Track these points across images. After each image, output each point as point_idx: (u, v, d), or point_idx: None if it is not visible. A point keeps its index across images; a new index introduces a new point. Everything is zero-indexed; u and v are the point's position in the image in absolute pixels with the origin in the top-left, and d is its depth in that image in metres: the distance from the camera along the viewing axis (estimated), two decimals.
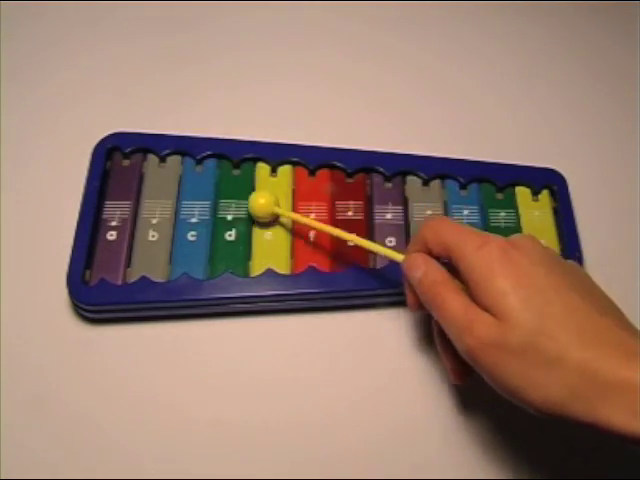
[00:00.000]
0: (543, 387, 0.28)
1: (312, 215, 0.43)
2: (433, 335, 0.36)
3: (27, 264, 0.42)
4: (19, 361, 0.39)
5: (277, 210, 0.41)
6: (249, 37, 0.54)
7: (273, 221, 0.42)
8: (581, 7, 0.58)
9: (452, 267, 0.33)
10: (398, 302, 0.41)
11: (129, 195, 0.43)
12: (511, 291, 0.29)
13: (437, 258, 0.34)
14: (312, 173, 0.45)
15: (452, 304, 0.31)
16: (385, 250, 0.37)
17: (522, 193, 0.45)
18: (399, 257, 0.36)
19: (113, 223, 0.41)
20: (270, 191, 0.42)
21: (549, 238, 0.43)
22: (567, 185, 0.45)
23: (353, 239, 0.38)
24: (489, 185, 0.45)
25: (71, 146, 0.46)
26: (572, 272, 0.32)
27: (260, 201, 0.41)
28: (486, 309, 0.30)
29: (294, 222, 0.42)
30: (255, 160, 0.45)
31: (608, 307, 0.31)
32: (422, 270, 0.33)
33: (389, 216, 0.43)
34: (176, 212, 0.42)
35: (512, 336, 0.29)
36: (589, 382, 0.27)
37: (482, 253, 0.31)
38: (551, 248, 0.34)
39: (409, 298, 0.36)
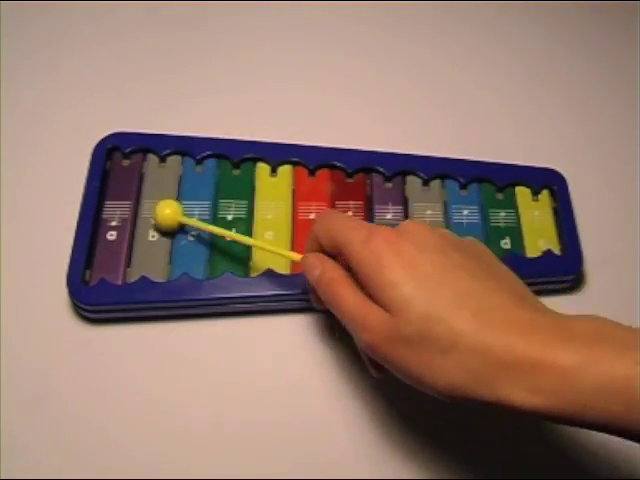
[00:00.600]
0: (443, 373, 0.28)
1: (312, 215, 0.43)
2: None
3: (27, 264, 0.42)
4: (19, 361, 0.39)
5: (183, 220, 0.41)
6: (249, 37, 0.54)
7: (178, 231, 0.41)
8: (581, 7, 0.58)
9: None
10: None
11: (129, 195, 0.43)
12: (400, 282, 0.29)
13: (332, 255, 0.34)
14: (312, 173, 0.45)
15: (348, 301, 0.31)
16: (284, 252, 0.37)
17: (522, 193, 0.45)
18: (296, 257, 0.36)
19: (113, 223, 0.41)
20: (175, 201, 0.41)
21: (549, 238, 0.43)
22: (567, 185, 0.45)
23: (256, 244, 0.39)
24: (489, 185, 0.45)
25: (71, 146, 0.46)
26: (467, 251, 0.31)
27: (166, 211, 0.40)
28: (379, 303, 0.30)
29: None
30: (255, 160, 0.45)
31: (505, 283, 0.30)
32: (319, 270, 0.33)
33: (389, 216, 0.43)
34: None
35: (405, 327, 0.28)
36: (486, 363, 0.27)
37: (369, 246, 0.30)
38: (442, 229, 0.33)
39: (312, 297, 0.36)
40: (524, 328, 0.27)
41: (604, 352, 0.26)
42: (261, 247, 0.39)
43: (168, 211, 0.40)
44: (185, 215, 0.41)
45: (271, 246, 0.38)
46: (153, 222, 0.41)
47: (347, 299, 0.31)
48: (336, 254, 0.34)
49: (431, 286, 0.29)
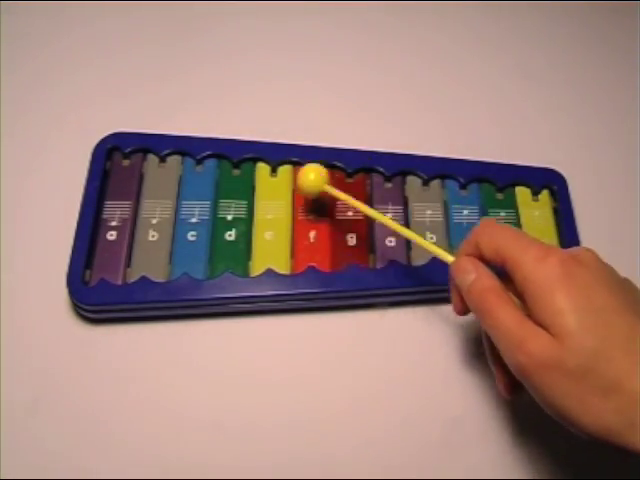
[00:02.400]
0: (598, 413, 0.27)
1: (312, 215, 0.43)
2: (483, 343, 0.35)
3: (27, 264, 0.42)
4: (19, 361, 0.39)
5: (327, 188, 0.40)
6: (249, 38, 0.54)
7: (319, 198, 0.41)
8: (581, 7, 0.58)
9: (504, 276, 0.32)
10: (398, 302, 0.42)
11: (129, 195, 0.43)
12: (571, 310, 0.28)
13: (489, 264, 0.32)
14: None
15: (504, 316, 0.30)
16: (436, 249, 0.35)
17: (522, 193, 0.45)
18: (449, 258, 0.34)
19: (113, 223, 0.41)
20: (320, 168, 0.41)
21: (549, 238, 0.43)
22: (567, 185, 0.45)
23: (407, 234, 0.37)
24: (489, 185, 0.45)
25: (71, 146, 0.46)
26: (630, 290, 0.31)
27: (310, 176, 0.40)
28: (541, 326, 0.29)
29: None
30: (255, 160, 0.45)
31: None
32: (473, 275, 0.32)
33: (389, 216, 0.43)
34: (176, 212, 0.42)
35: (569, 358, 0.27)
36: None
37: (543, 266, 0.29)
38: (609, 265, 0.32)
39: (455, 302, 0.35)
40: None
41: None
42: (416, 240, 0.37)
43: (312, 176, 0.40)
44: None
45: (426, 243, 0.36)
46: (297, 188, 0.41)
47: (503, 314, 0.30)
48: (495, 264, 0.32)
49: (602, 322, 0.28)
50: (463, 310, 0.34)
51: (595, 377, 0.27)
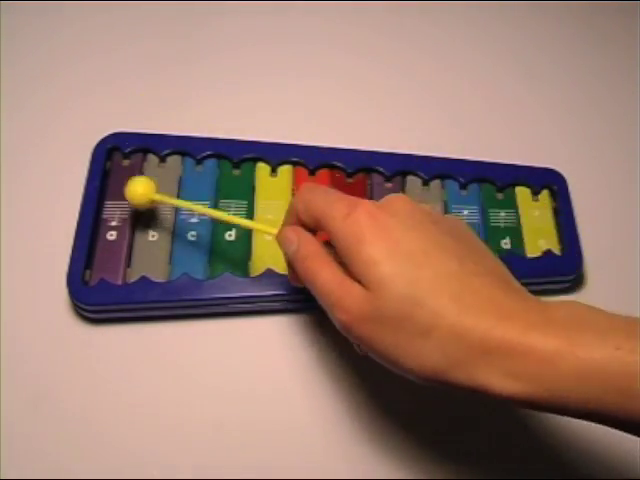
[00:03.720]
0: (421, 356, 0.27)
1: None
2: None
3: (27, 264, 0.42)
4: (19, 361, 0.39)
5: (155, 197, 0.40)
6: (249, 37, 0.54)
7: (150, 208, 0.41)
8: (581, 7, 0.58)
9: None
10: None
11: None
12: (381, 259, 0.28)
13: (311, 230, 0.33)
14: (312, 173, 0.45)
15: (324, 278, 0.30)
16: (258, 225, 0.37)
17: (522, 193, 0.45)
18: (273, 231, 0.35)
19: (113, 223, 0.41)
20: (148, 179, 0.40)
21: (549, 238, 0.43)
22: (567, 185, 0.45)
23: (230, 220, 0.38)
24: (489, 185, 0.45)
25: (71, 146, 0.46)
26: (451, 232, 0.31)
27: (138, 190, 0.39)
28: (357, 280, 0.29)
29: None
30: (255, 160, 0.45)
31: (487, 266, 0.30)
32: (295, 244, 0.32)
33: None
34: (176, 212, 0.42)
35: (384, 308, 0.28)
36: (465, 347, 0.26)
37: (350, 221, 0.29)
38: (426, 206, 0.32)
39: (289, 272, 0.35)
40: (504, 313, 0.27)
41: (584, 337, 0.25)
42: (233, 222, 0.38)
43: (140, 190, 0.39)
44: (158, 193, 0.40)
45: (245, 221, 0.38)
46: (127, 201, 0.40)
47: (323, 276, 0.30)
48: (316, 229, 0.33)
49: (412, 266, 0.28)
50: (297, 280, 0.34)
51: (411, 322, 0.27)
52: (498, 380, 0.26)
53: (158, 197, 0.40)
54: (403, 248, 0.28)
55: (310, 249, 0.32)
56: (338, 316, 0.29)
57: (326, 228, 0.31)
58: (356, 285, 0.29)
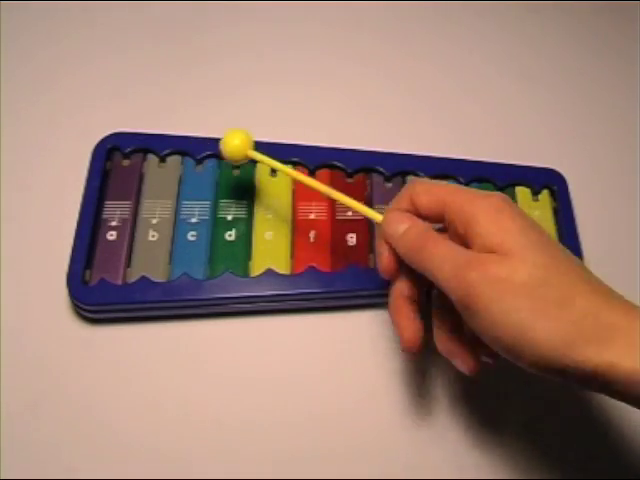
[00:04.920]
0: (551, 323, 0.27)
1: (312, 215, 0.43)
2: (433, 330, 0.34)
3: (27, 264, 0.42)
4: (19, 361, 0.39)
5: (251, 154, 0.39)
6: (249, 38, 0.54)
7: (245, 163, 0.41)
8: (582, 7, 0.58)
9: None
10: None
11: (129, 195, 0.43)
12: (518, 230, 0.29)
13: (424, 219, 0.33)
14: (312, 173, 0.45)
15: (445, 247, 0.30)
16: (363, 208, 0.36)
17: (522, 193, 0.45)
18: (378, 217, 0.35)
19: (113, 223, 0.41)
20: (245, 132, 0.40)
21: None
22: (567, 185, 0.45)
23: (332, 194, 0.37)
24: (489, 185, 0.45)
25: (71, 146, 0.46)
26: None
27: (235, 142, 0.39)
28: (492, 250, 0.29)
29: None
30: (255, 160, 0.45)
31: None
32: (406, 224, 0.33)
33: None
34: (176, 212, 0.42)
35: (522, 270, 0.28)
36: (597, 324, 0.27)
37: (488, 200, 0.31)
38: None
39: (384, 259, 0.34)
40: (627, 304, 0.28)
41: None
42: (339, 199, 0.37)
43: (237, 142, 0.39)
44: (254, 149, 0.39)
45: (351, 201, 0.37)
46: (222, 150, 0.40)
47: (444, 246, 0.31)
48: (431, 216, 0.33)
49: (548, 245, 0.29)
50: (392, 267, 0.34)
51: (549, 288, 0.28)
52: (626, 360, 0.26)
53: (254, 154, 0.39)
54: (537, 231, 0.30)
55: (425, 225, 0.32)
56: (471, 275, 0.28)
57: (456, 209, 0.31)
58: (487, 254, 0.29)
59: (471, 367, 0.33)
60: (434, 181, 0.35)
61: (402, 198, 0.34)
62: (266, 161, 0.39)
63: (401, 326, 0.34)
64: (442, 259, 0.30)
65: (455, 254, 0.30)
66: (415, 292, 0.34)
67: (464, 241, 0.31)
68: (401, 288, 0.34)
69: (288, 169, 0.39)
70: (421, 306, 0.34)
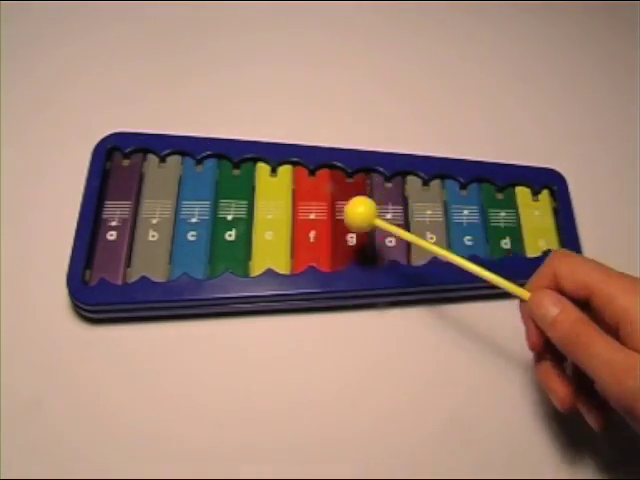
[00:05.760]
0: None
1: (312, 215, 0.43)
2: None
3: (27, 264, 0.42)
4: (19, 361, 0.39)
5: (377, 223, 0.37)
6: (249, 37, 0.54)
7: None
8: (582, 6, 0.58)
9: (583, 310, 0.32)
10: (397, 302, 0.42)
11: (129, 195, 0.43)
12: None
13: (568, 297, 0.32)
14: (312, 173, 0.45)
15: (602, 345, 0.30)
16: (507, 285, 0.34)
17: (522, 193, 0.45)
18: (523, 293, 0.33)
19: (113, 223, 0.41)
20: (369, 201, 0.38)
21: (549, 238, 0.43)
22: (567, 185, 0.45)
23: (468, 267, 0.35)
24: (489, 185, 0.45)
25: (71, 146, 0.46)
26: None
27: (359, 209, 0.37)
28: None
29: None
30: (255, 160, 0.45)
31: None
32: (557, 309, 0.32)
33: (389, 216, 0.43)
34: (176, 212, 0.42)
35: None
36: None
37: (635, 298, 0.30)
38: None
39: (532, 338, 0.33)
40: None
41: None
42: (483, 275, 0.35)
43: (361, 209, 0.37)
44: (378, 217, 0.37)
45: (496, 278, 0.34)
46: (345, 222, 0.38)
47: (603, 343, 0.30)
48: (576, 298, 0.32)
49: None
50: (539, 344, 0.33)
51: None
52: None
53: (380, 223, 0.37)
54: None
55: (578, 315, 0.31)
56: (627, 382, 0.28)
57: (603, 300, 0.31)
58: None
59: (600, 424, 0.33)
60: (578, 258, 0.33)
61: (544, 275, 0.33)
62: (393, 230, 0.37)
63: (552, 389, 0.34)
64: (599, 361, 0.30)
65: (612, 357, 0.29)
66: (558, 357, 0.34)
67: (614, 331, 0.30)
68: (549, 357, 0.34)
69: (423, 241, 0.37)
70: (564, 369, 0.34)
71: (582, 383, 0.33)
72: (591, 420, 0.33)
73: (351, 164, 0.45)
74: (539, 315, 0.32)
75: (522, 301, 0.34)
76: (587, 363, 0.30)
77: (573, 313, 0.31)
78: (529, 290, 0.33)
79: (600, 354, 0.29)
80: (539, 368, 0.34)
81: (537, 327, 0.33)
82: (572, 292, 0.32)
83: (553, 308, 0.32)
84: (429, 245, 0.36)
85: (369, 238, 0.42)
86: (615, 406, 0.30)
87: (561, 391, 0.33)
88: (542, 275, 0.33)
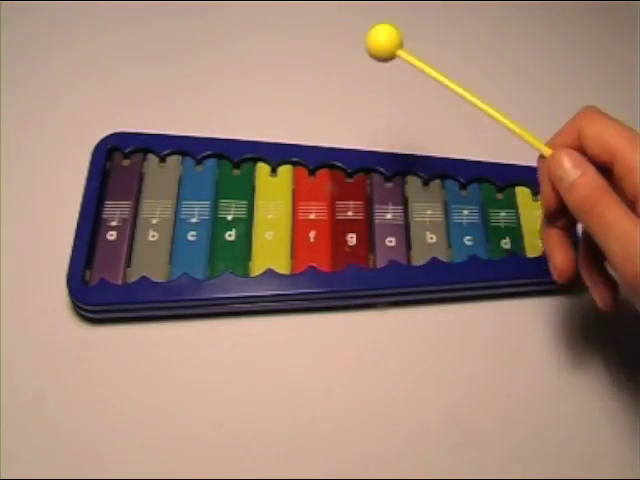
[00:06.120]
0: None
1: (312, 215, 0.43)
2: (579, 256, 0.33)
3: (27, 264, 0.42)
4: (19, 361, 0.39)
5: (400, 54, 0.36)
6: (249, 37, 0.54)
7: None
8: (583, 6, 0.58)
9: (605, 176, 0.30)
10: (398, 302, 0.42)
11: (129, 195, 0.43)
12: None
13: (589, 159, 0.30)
14: (312, 173, 0.45)
15: (619, 218, 0.28)
16: (527, 135, 0.33)
17: (522, 193, 0.45)
18: (545, 150, 0.32)
19: (113, 223, 0.41)
20: (395, 28, 0.37)
21: None
22: None
23: (494, 115, 0.35)
24: (489, 185, 0.45)
25: (71, 146, 0.46)
26: None
27: (380, 37, 0.36)
28: None
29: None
30: (255, 160, 0.45)
31: None
32: (578, 171, 0.29)
33: (389, 216, 0.43)
34: (176, 212, 0.42)
35: None
36: None
37: None
38: None
39: (548, 199, 0.32)
40: None
41: None
42: (506, 125, 0.34)
43: (383, 37, 0.36)
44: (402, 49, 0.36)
45: (518, 128, 0.34)
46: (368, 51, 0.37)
47: (619, 215, 0.28)
48: (598, 161, 0.30)
49: None
50: (553, 206, 0.32)
51: None
52: None
53: (404, 54, 0.36)
54: None
55: (599, 181, 0.29)
56: (638, 262, 0.27)
57: (624, 168, 0.29)
58: None
59: (607, 302, 0.32)
60: (607, 120, 0.31)
61: (569, 132, 0.31)
62: (419, 65, 0.36)
63: (553, 255, 0.32)
64: (613, 233, 0.28)
65: (628, 230, 0.27)
66: (569, 224, 0.33)
67: (631, 204, 0.29)
68: (555, 218, 0.33)
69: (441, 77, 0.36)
70: (573, 238, 0.33)
71: (593, 256, 0.32)
72: (598, 297, 0.32)
73: (351, 164, 0.45)
74: (557, 176, 0.30)
75: (542, 157, 0.32)
76: (601, 234, 0.28)
77: (594, 178, 0.29)
78: (551, 146, 0.32)
79: (615, 226, 0.28)
80: (546, 232, 0.33)
81: (554, 188, 0.31)
82: (595, 155, 0.30)
83: (574, 170, 0.30)
84: (451, 84, 0.36)
85: (369, 238, 0.42)
86: (624, 284, 0.28)
87: (561, 259, 0.32)
88: (567, 132, 0.32)
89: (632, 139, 0.30)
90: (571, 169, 0.30)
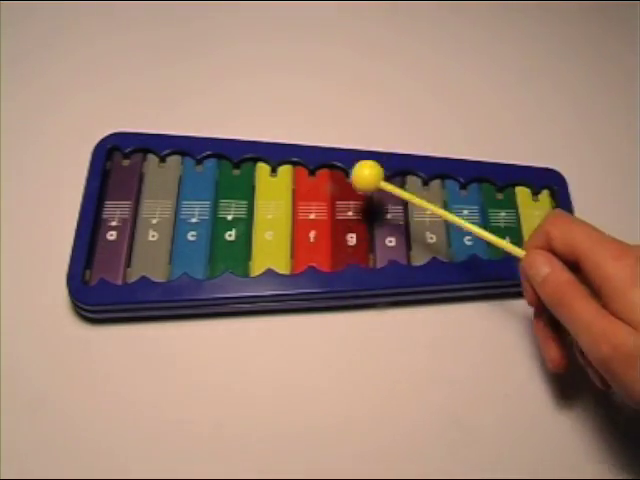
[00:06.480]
0: None
1: (312, 215, 0.43)
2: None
3: (27, 264, 0.42)
4: (19, 361, 0.39)
5: (382, 186, 0.40)
6: (249, 37, 0.54)
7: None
8: (583, 6, 0.58)
9: (574, 270, 0.32)
10: (398, 302, 0.42)
11: (129, 195, 0.43)
12: None
13: (560, 258, 0.33)
14: (312, 173, 0.45)
15: (583, 308, 0.31)
16: (504, 244, 0.36)
17: (522, 193, 0.45)
18: (519, 252, 0.35)
19: (113, 223, 0.41)
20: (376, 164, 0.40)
21: None
22: (567, 185, 0.45)
23: (471, 228, 0.37)
24: (489, 185, 0.45)
25: (71, 146, 0.46)
26: None
27: (364, 172, 0.40)
28: (622, 319, 0.29)
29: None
30: (255, 160, 0.45)
31: None
32: (546, 269, 0.33)
33: (389, 216, 0.43)
34: (176, 212, 0.42)
35: None
36: None
37: (621, 264, 0.30)
38: None
39: (528, 295, 0.35)
40: None
41: None
42: (481, 235, 0.37)
43: (367, 172, 0.40)
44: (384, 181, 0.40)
45: (493, 237, 0.37)
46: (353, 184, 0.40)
47: (582, 307, 0.31)
48: (566, 259, 0.33)
49: None
50: (536, 302, 0.35)
51: None
52: None
53: (386, 186, 0.40)
54: None
55: (565, 276, 0.32)
56: (603, 349, 0.29)
57: (590, 265, 0.31)
58: (620, 322, 0.29)
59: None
60: (570, 221, 0.34)
61: (539, 235, 0.34)
62: (397, 192, 0.40)
63: (545, 348, 0.36)
64: (580, 324, 0.31)
65: (592, 320, 0.30)
66: (554, 316, 0.34)
67: (598, 294, 0.31)
68: (541, 311, 0.35)
69: (424, 202, 0.39)
70: (562, 328, 0.34)
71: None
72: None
73: (351, 164, 0.44)
74: (531, 274, 0.34)
75: (519, 260, 0.35)
76: (570, 323, 0.31)
77: (561, 274, 0.32)
78: (525, 249, 0.35)
79: (581, 317, 0.31)
80: (537, 326, 0.36)
81: (532, 287, 0.34)
82: (563, 254, 0.33)
83: (543, 268, 0.33)
84: (428, 205, 0.38)
85: (369, 238, 0.42)
86: (595, 366, 0.31)
87: (553, 352, 0.35)
88: (537, 235, 0.35)
89: (594, 237, 0.32)
90: (541, 267, 0.33)
